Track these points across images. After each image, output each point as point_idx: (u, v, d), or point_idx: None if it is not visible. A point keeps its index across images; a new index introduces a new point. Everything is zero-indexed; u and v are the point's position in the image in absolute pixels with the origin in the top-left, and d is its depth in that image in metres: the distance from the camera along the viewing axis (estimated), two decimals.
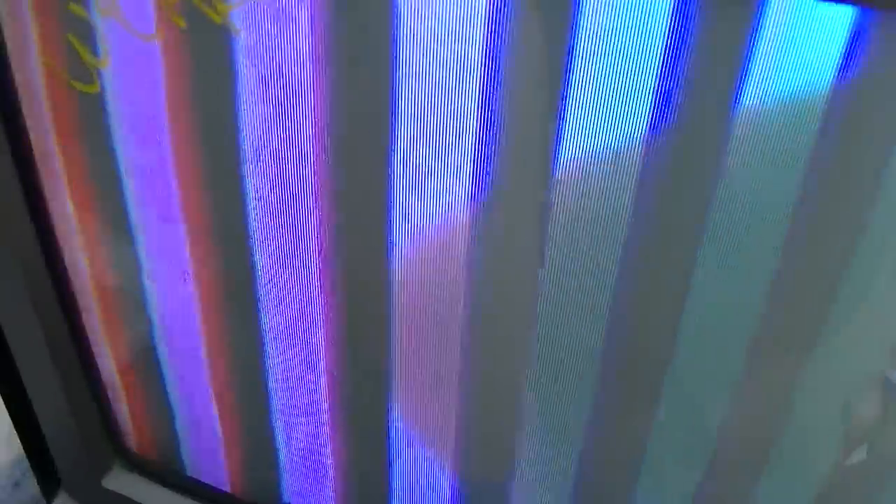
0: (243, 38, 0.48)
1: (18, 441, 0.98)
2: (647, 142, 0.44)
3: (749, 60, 0.40)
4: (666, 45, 0.41)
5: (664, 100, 0.43)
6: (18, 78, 0.58)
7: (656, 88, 0.42)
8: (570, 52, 0.43)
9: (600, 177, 0.46)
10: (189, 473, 0.81)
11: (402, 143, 0.49)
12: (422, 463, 0.66)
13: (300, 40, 0.47)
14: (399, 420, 0.64)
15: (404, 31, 0.45)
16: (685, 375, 0.53)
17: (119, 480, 0.83)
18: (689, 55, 0.41)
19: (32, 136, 0.61)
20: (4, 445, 1.00)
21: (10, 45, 0.56)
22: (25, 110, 0.60)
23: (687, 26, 0.40)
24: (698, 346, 0.51)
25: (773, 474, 0.56)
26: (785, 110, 0.41)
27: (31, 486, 0.95)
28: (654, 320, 0.51)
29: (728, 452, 0.56)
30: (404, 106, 0.48)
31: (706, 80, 0.42)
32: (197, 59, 0.51)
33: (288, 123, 0.51)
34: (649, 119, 0.43)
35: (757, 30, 0.39)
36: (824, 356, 0.49)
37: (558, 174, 0.47)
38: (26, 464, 0.97)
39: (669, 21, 0.40)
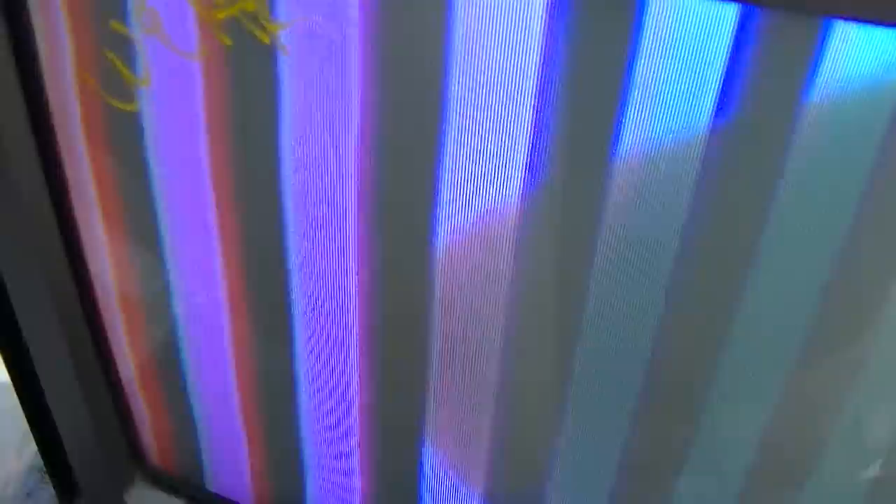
0: (292, 58, 0.48)
1: (30, 450, 0.97)
2: (707, 140, 0.44)
3: (815, 71, 0.40)
4: (730, 50, 0.41)
5: (726, 99, 0.42)
6: (52, 94, 0.57)
7: (719, 88, 0.42)
8: (634, 48, 0.42)
9: (659, 172, 0.46)
10: (211, 489, 0.81)
11: (452, 143, 0.48)
12: (454, 492, 0.66)
13: (350, 56, 0.47)
14: (432, 447, 0.64)
15: (461, 23, 0.44)
16: (731, 383, 0.53)
17: (141, 495, 0.83)
18: (753, 61, 0.41)
19: (63, 150, 0.60)
20: (15, 455, 0.99)
21: (44, 62, 0.56)
22: (57, 125, 0.59)
23: (750, 34, 0.40)
24: (747, 352, 0.51)
25: (812, 487, 0.55)
26: (850, 115, 0.41)
27: (45, 497, 0.95)
28: (707, 324, 0.51)
29: (768, 466, 0.56)
30: (457, 101, 0.47)
31: (770, 84, 0.41)
32: (241, 79, 0.50)
33: (332, 140, 0.51)
34: (711, 117, 0.43)
35: (822, 47, 0.39)
36: (874, 369, 0.49)
37: (615, 169, 0.46)
38: (38, 474, 0.96)
39: (734, 29, 0.40)
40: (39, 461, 0.96)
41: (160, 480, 0.83)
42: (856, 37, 0.38)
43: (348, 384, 0.64)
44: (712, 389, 0.53)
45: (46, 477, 0.95)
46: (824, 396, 0.52)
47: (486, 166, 0.48)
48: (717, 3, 0.40)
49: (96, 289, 0.70)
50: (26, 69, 0.56)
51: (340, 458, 0.70)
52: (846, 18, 0.38)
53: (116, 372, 0.75)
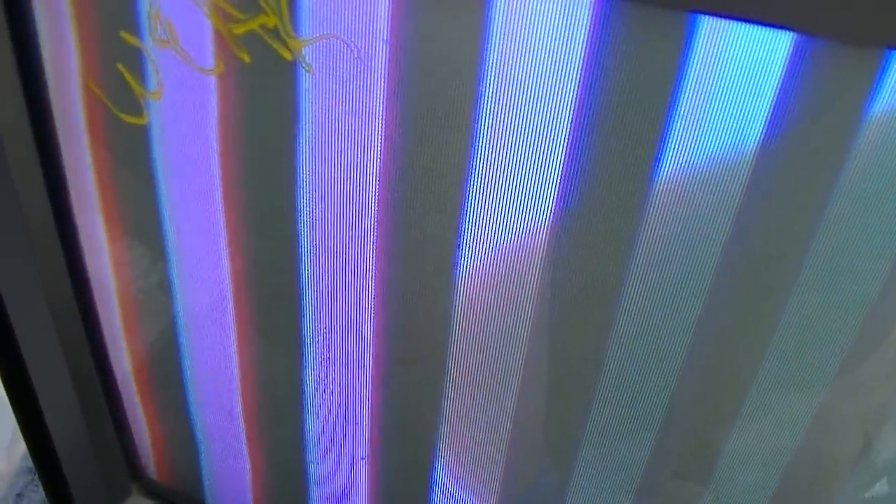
0: (313, 75, 0.45)
1: (20, 451, 0.95)
2: (753, 164, 0.42)
3: (872, 99, 0.38)
4: (782, 76, 0.39)
5: (775, 124, 0.40)
6: (56, 102, 0.55)
7: (768, 113, 0.40)
8: (681, 71, 0.40)
9: (700, 198, 0.44)
10: (210, 503, 0.79)
11: (481, 166, 0.46)
12: None
13: (376, 74, 0.44)
14: (441, 473, 0.62)
15: (496, 40, 0.42)
16: (755, 422, 0.52)
17: None
18: (806, 88, 0.39)
19: (66, 159, 0.58)
20: (5, 456, 0.97)
21: (49, 68, 0.53)
22: (60, 133, 0.56)
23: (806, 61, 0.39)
24: (773, 388, 0.50)
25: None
26: None
27: (36, 499, 0.93)
28: (736, 365, 0.49)
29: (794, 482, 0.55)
30: (488, 122, 0.44)
31: (823, 113, 0.39)
32: (258, 95, 0.48)
33: (352, 161, 0.49)
34: (760, 139, 0.41)
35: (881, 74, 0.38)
36: None
37: (653, 196, 0.44)
38: (29, 475, 0.95)
39: (787, 55, 0.38)
40: (30, 462, 0.94)
41: (157, 493, 0.81)
42: None
43: (358, 401, 0.62)
44: (736, 424, 0.52)
45: (37, 478, 0.93)
46: (853, 431, 0.51)
47: (516, 192, 0.46)
48: (770, 30, 0.38)
49: (95, 296, 0.68)
50: (29, 74, 0.53)
51: (346, 475, 0.68)
52: None
53: (114, 381, 0.73)
